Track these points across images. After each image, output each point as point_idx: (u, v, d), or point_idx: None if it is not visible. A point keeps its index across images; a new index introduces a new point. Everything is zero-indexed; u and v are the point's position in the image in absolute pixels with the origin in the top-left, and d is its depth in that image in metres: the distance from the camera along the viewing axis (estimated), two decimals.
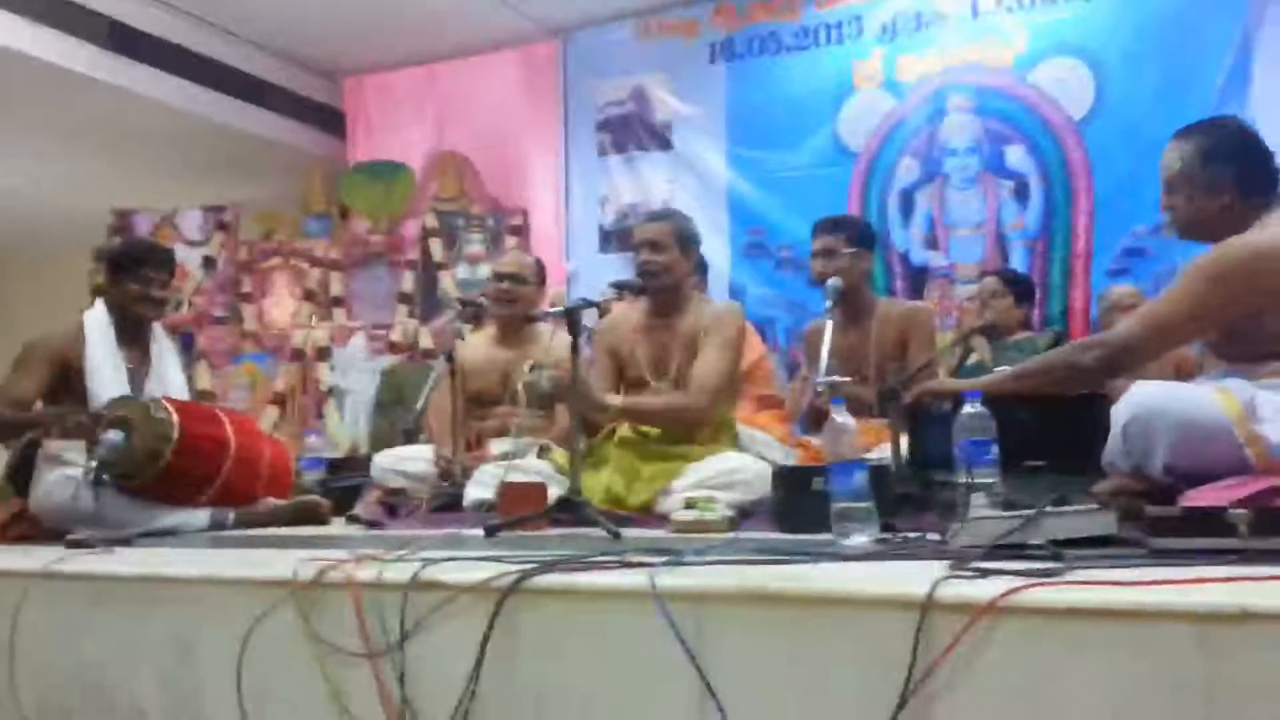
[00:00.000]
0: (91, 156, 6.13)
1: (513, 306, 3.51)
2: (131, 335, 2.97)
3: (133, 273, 2.93)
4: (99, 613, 1.95)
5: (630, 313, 3.12)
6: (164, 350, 3.06)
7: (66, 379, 2.84)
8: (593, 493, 2.63)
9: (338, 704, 1.67)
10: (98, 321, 2.92)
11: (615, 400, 2.86)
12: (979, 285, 4.18)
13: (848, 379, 2.77)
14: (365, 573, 1.70)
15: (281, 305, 5.79)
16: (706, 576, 1.53)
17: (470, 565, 1.68)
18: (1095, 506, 1.66)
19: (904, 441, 2.48)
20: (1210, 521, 1.49)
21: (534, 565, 1.61)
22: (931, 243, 4.90)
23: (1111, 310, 3.87)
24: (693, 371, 2.87)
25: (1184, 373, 2.86)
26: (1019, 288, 4.10)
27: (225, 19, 5.48)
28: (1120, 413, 1.84)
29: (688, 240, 2.98)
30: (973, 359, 3.67)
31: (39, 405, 2.85)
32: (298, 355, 5.58)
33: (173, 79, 5.37)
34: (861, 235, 3.32)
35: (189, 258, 5.85)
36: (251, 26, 5.58)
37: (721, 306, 3.06)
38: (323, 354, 5.56)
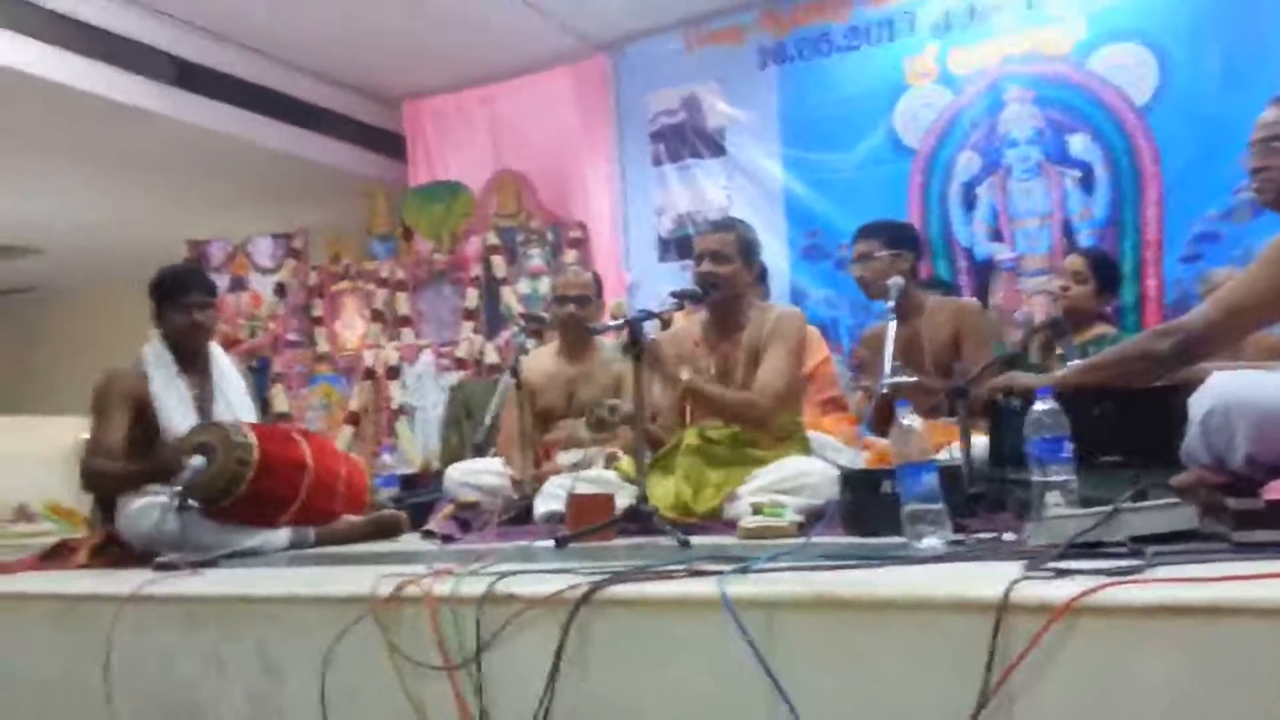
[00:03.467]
0: (163, 190, 6.35)
1: (579, 325, 3.54)
2: (190, 363, 3.01)
3: (171, 301, 2.98)
4: (188, 633, 2.00)
5: (692, 325, 3.12)
6: (225, 373, 3.11)
7: (141, 415, 2.89)
8: (660, 501, 2.64)
9: (419, 716, 1.70)
10: (156, 353, 2.97)
11: (684, 374, 2.86)
12: (1063, 262, 3.76)
13: (914, 379, 2.74)
14: (441, 587, 1.73)
15: (352, 327, 5.92)
16: (776, 583, 1.53)
17: (542, 577, 1.70)
18: (1175, 501, 1.63)
19: (976, 440, 2.46)
20: None
21: (604, 576, 1.63)
22: (996, 235, 4.82)
23: (1210, 294, 3.67)
24: (756, 375, 2.87)
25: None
26: (1105, 274, 3.63)
27: (284, 50, 5.63)
28: (1199, 403, 1.79)
29: (750, 250, 2.98)
30: (1036, 358, 3.50)
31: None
32: (369, 375, 5.70)
33: (236, 111, 5.54)
34: (900, 237, 3.32)
35: (262, 284, 6.03)
36: (310, 56, 5.73)
37: (783, 312, 3.05)
38: (393, 373, 5.67)
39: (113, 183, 6.23)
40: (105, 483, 2.86)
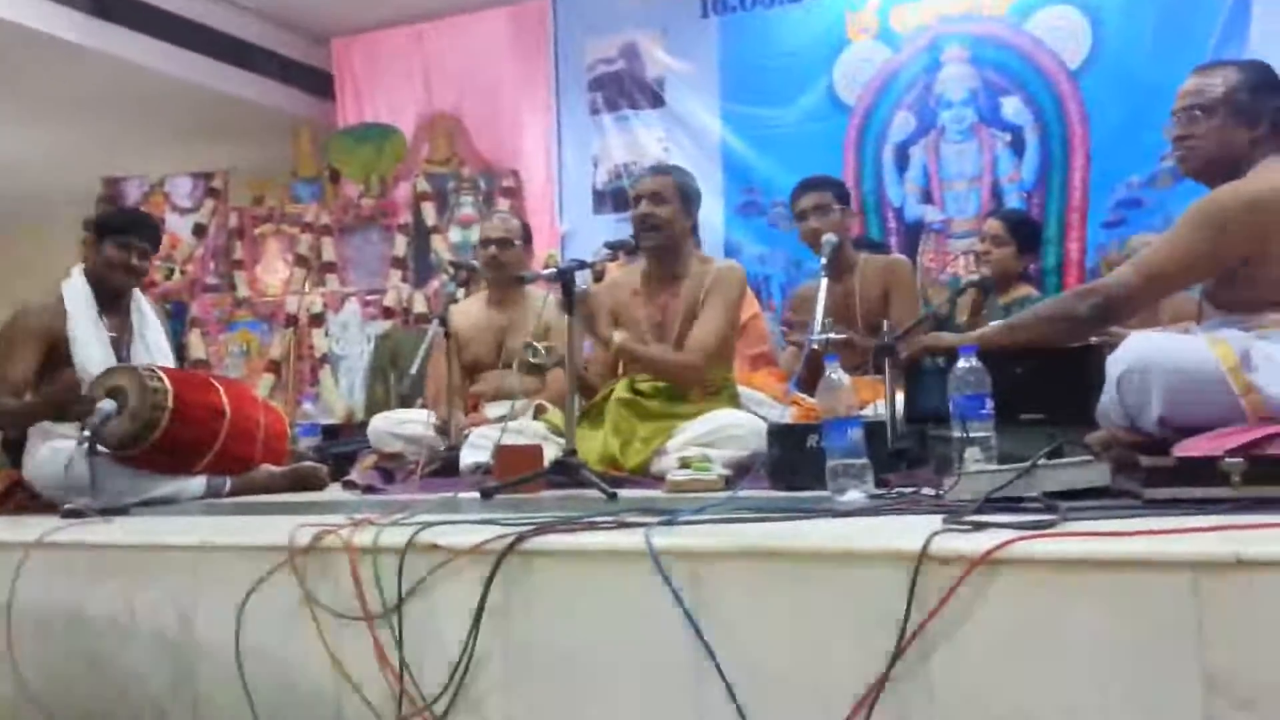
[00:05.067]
0: (78, 125, 6.07)
1: (502, 270, 3.50)
2: (111, 304, 2.93)
3: (115, 238, 2.89)
4: (96, 582, 1.95)
5: (630, 275, 3.10)
6: (146, 317, 3.03)
7: (53, 352, 2.80)
8: (589, 454, 2.63)
9: (337, 668, 1.68)
10: (77, 291, 2.87)
11: (616, 335, 2.84)
12: (982, 227, 3.84)
13: (843, 335, 2.76)
14: (362, 537, 1.70)
15: (274, 271, 5.75)
16: (702, 535, 1.54)
17: (467, 528, 1.69)
18: (1089, 458, 1.67)
19: (899, 397, 2.49)
20: (1204, 471, 1.50)
21: (530, 527, 1.61)
22: (927, 197, 4.86)
23: None
24: (691, 331, 2.86)
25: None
26: (1024, 235, 3.71)
27: None
28: (1116, 364, 1.83)
29: (689, 195, 2.94)
30: (963, 317, 3.57)
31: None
32: (292, 321, 5.56)
33: (158, 43, 5.31)
34: (845, 192, 3.37)
35: (180, 225, 5.81)
36: None
37: (723, 265, 3.03)
38: (317, 320, 5.54)
39: (23, 117, 5.94)
40: (2, 418, 2.75)
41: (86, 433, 2.40)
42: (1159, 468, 1.53)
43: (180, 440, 2.68)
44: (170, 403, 2.64)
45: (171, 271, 5.71)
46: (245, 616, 1.76)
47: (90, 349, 2.80)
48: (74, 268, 2.96)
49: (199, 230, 5.82)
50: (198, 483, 2.76)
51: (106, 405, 2.50)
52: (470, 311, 3.60)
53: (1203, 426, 1.68)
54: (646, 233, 2.87)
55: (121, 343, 2.92)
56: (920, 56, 4.86)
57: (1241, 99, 2.00)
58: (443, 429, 3.13)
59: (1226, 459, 1.49)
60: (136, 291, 3.04)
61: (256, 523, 2.12)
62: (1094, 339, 2.10)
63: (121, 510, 2.38)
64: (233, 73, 5.73)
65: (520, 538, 1.58)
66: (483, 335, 3.52)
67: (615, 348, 2.84)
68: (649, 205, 2.88)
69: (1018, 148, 4.69)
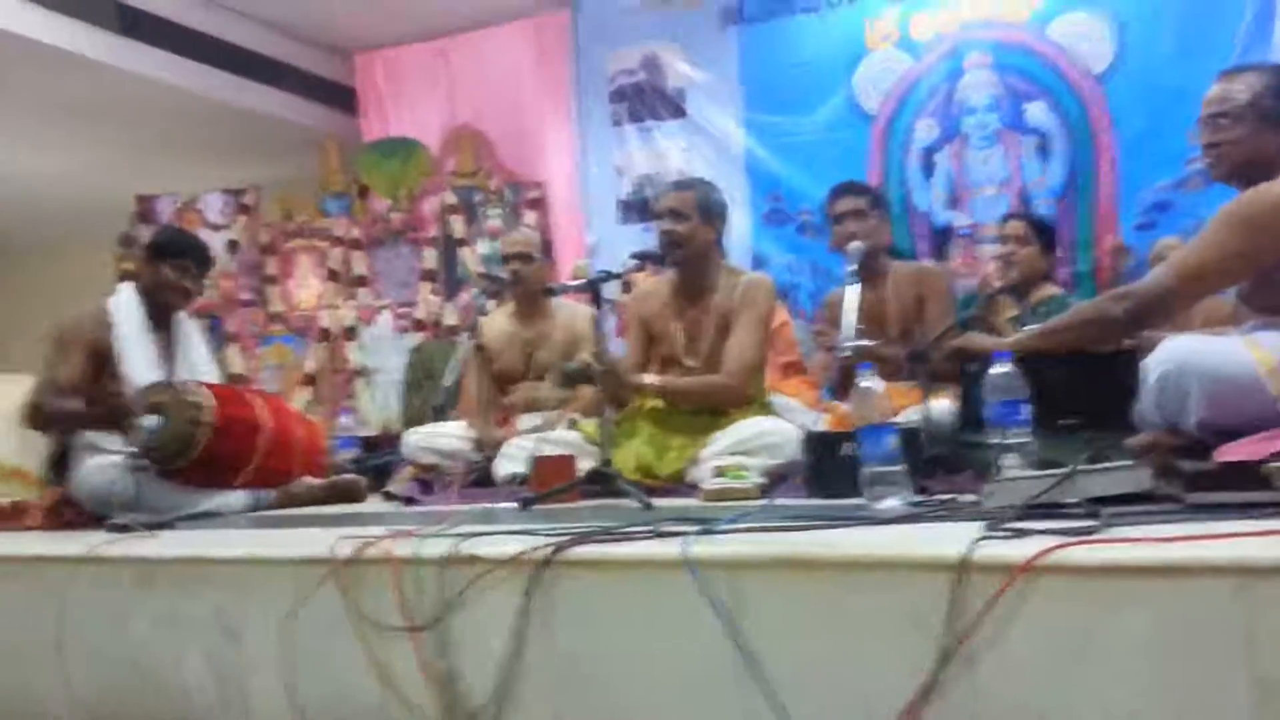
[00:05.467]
0: (108, 143, 6.15)
1: (524, 285, 3.53)
2: (157, 320, 2.99)
3: (174, 260, 2.95)
4: (144, 595, 1.97)
5: (661, 286, 3.10)
6: (189, 333, 3.09)
7: (97, 365, 2.86)
8: (623, 461, 2.64)
9: (382, 678, 1.70)
10: (126, 305, 2.93)
11: (650, 380, 2.85)
12: (1002, 229, 3.79)
13: (874, 342, 2.76)
14: (403, 548, 1.72)
15: (306, 286, 5.81)
16: (740, 544, 1.54)
17: (505, 539, 1.70)
18: (1130, 463, 1.66)
19: (936, 403, 2.49)
20: (1245, 475, 1.49)
21: (568, 537, 1.62)
22: (953, 203, 4.85)
23: (1158, 263, 3.74)
24: (726, 349, 2.86)
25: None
26: (1045, 234, 3.69)
27: None
28: (1152, 367, 1.83)
29: (711, 209, 2.94)
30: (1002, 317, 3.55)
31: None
32: (325, 335, 5.62)
33: (183, 61, 5.36)
34: (878, 198, 3.35)
35: (213, 241, 5.87)
36: (260, 6, 5.56)
37: (753, 280, 3.03)
38: (350, 333, 5.60)
39: (58, 135, 6.03)
40: (49, 420, 2.82)
41: (131, 448, 2.44)
42: (1201, 472, 1.53)
43: (221, 454, 2.72)
44: (210, 418, 2.68)
45: (204, 287, 5.78)
46: (289, 629, 1.78)
47: (138, 360, 2.86)
48: (122, 283, 3.03)
49: (232, 246, 5.89)
50: (240, 497, 2.80)
51: (150, 421, 2.54)
52: (498, 323, 3.63)
53: (1242, 429, 1.67)
54: (669, 249, 2.88)
55: (166, 358, 2.98)
56: (941, 64, 4.84)
57: (1267, 104, 2.00)
58: (478, 444, 3.16)
59: (1269, 462, 1.48)
60: (182, 314, 3.10)
61: (299, 535, 2.14)
62: (1129, 343, 2.10)
63: (166, 525, 2.41)
64: (259, 89, 5.79)
65: (559, 548, 1.59)
66: (512, 347, 3.56)
67: (652, 389, 2.83)
68: (669, 222, 2.90)
69: (1044, 152, 4.67)
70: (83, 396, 2.81)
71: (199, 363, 3.04)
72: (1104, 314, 2.05)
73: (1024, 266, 3.58)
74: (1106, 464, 1.64)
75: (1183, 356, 1.79)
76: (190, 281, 2.99)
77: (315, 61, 6.14)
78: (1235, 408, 1.72)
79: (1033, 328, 2.24)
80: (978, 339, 2.31)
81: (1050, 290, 3.62)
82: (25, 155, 6.34)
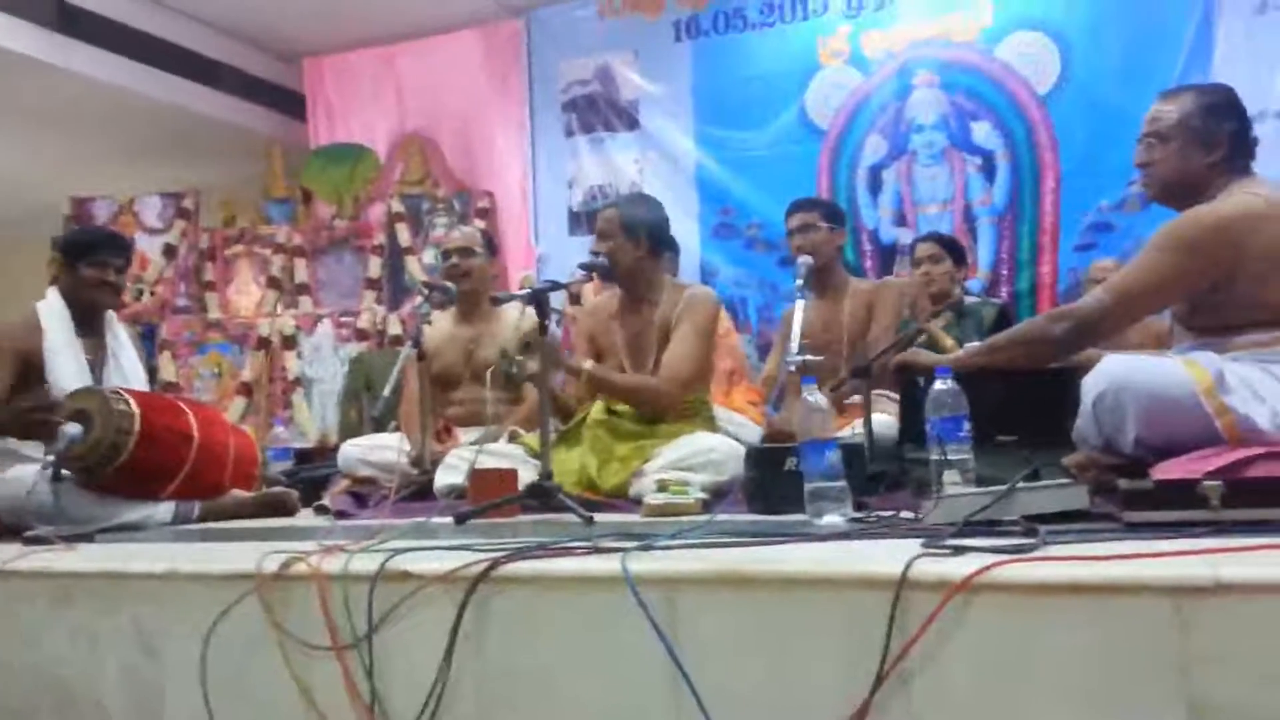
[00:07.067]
0: (45, 143, 6.00)
1: (467, 280, 3.49)
2: (87, 325, 2.91)
3: (88, 258, 2.87)
4: (60, 610, 1.90)
5: (609, 301, 3.11)
6: (120, 340, 3.01)
7: (26, 372, 2.78)
8: (566, 474, 2.61)
9: (305, 699, 1.64)
10: (53, 311, 2.86)
11: (586, 364, 2.84)
12: (915, 251, 3.91)
13: (819, 357, 2.77)
14: (331, 564, 1.67)
15: (246, 293, 5.69)
16: (678, 560, 1.51)
17: (439, 554, 1.65)
18: (1067, 481, 1.66)
19: (878, 418, 2.49)
20: (1182, 494, 1.50)
21: (504, 552, 1.58)
22: (900, 220, 4.90)
23: (1092, 284, 3.85)
24: (664, 357, 2.85)
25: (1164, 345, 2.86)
26: (956, 250, 3.89)
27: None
28: (1090, 386, 1.84)
29: (636, 226, 2.93)
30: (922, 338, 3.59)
31: None
32: (264, 344, 5.50)
33: (126, 61, 5.25)
34: (834, 213, 3.38)
35: (150, 245, 5.74)
36: (205, 7, 5.46)
37: (694, 291, 3.03)
38: (289, 342, 5.48)
39: None
40: None
41: (50, 457, 2.35)
42: (1137, 490, 1.53)
43: (147, 465, 2.64)
44: (137, 426, 2.59)
45: (141, 292, 5.64)
46: (211, 646, 1.72)
47: (66, 367, 2.79)
48: (50, 288, 2.94)
49: (169, 251, 5.76)
50: (165, 508, 2.71)
51: (71, 429, 2.45)
52: (441, 326, 3.59)
53: (1179, 448, 1.69)
54: (597, 269, 2.91)
55: (96, 364, 2.91)
56: (891, 81, 4.90)
57: (1195, 124, 2.03)
58: (416, 460, 3.09)
59: (1205, 481, 1.49)
60: (111, 314, 3.03)
61: (224, 550, 2.08)
62: (1069, 361, 2.11)
63: (87, 537, 2.32)
64: (203, 91, 5.68)
65: (494, 564, 1.55)
66: (453, 346, 3.51)
67: (586, 375, 2.83)
68: (596, 241, 2.93)
69: (989, 172, 4.74)
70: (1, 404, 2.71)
71: (129, 369, 2.97)
72: (1043, 334, 2.07)
73: (940, 283, 3.73)
74: (1045, 482, 1.64)
75: (1120, 375, 1.80)
76: (112, 275, 2.92)
77: (262, 65, 6.04)
78: (1172, 426, 1.73)
79: (974, 345, 2.25)
80: (920, 355, 2.31)
81: (969, 299, 3.74)
82: None
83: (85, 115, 5.55)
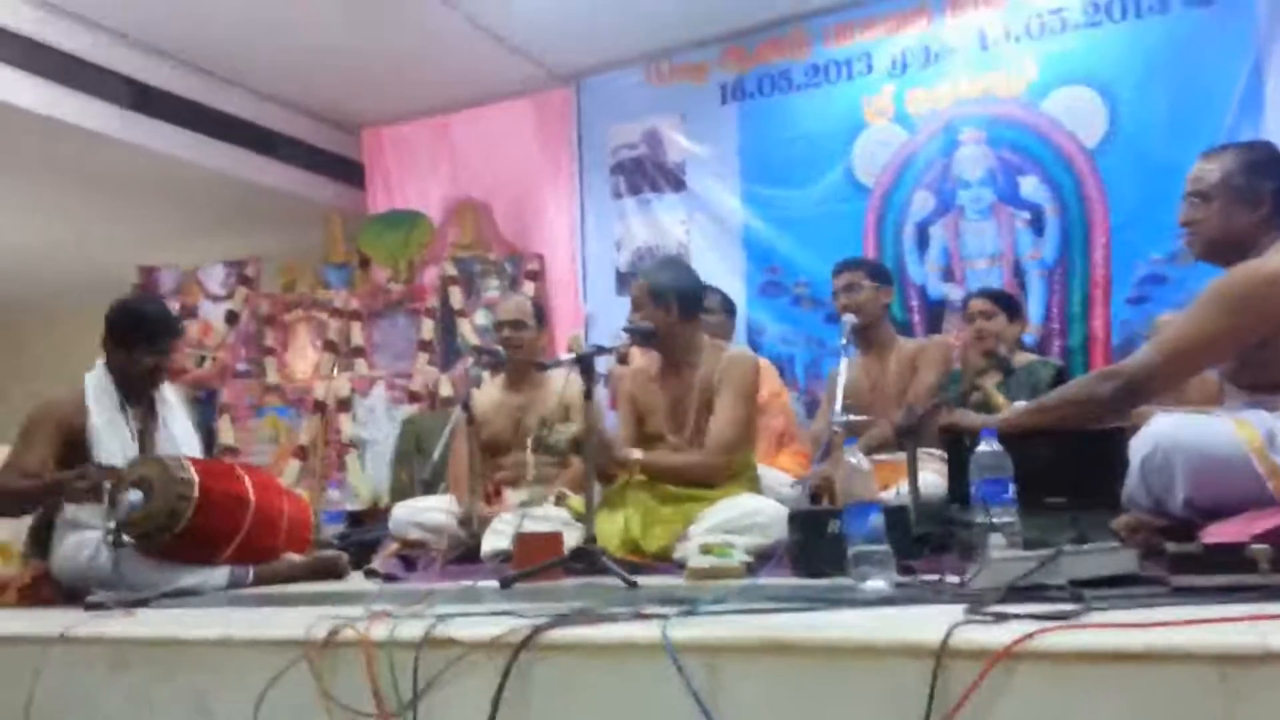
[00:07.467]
0: (115, 214, 6.24)
1: (517, 352, 3.55)
2: (137, 393, 2.94)
3: (140, 344, 2.90)
4: (117, 676, 1.94)
5: (651, 363, 3.13)
6: (171, 406, 3.05)
7: (72, 445, 2.80)
8: (610, 536, 2.62)
9: None
10: (99, 384, 2.89)
11: (635, 454, 2.85)
12: (968, 307, 3.87)
13: (864, 418, 2.76)
14: (378, 630, 1.69)
15: (303, 357, 5.83)
16: (720, 626, 1.51)
17: (483, 620, 1.67)
18: (1115, 545, 1.63)
19: (924, 479, 2.46)
20: (1230, 558, 1.46)
21: (546, 620, 1.60)
22: (948, 275, 4.87)
23: None
24: (709, 427, 2.86)
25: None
26: (1009, 305, 3.84)
27: (241, 74, 5.58)
28: (1139, 446, 1.81)
29: (661, 294, 2.97)
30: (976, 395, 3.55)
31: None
32: (320, 407, 5.61)
33: (193, 135, 5.46)
34: (880, 271, 3.39)
35: (213, 312, 5.92)
36: (268, 81, 5.67)
37: (734, 356, 3.04)
38: (344, 405, 5.59)
39: (63, 206, 6.12)
40: (5, 500, 2.75)
41: (110, 524, 2.42)
42: (1185, 554, 1.50)
43: (205, 530, 2.69)
44: (195, 493, 2.65)
45: (203, 359, 5.80)
46: (262, 712, 1.74)
47: (110, 444, 2.81)
48: (99, 360, 2.97)
49: (231, 318, 5.92)
50: (221, 573, 2.76)
51: (133, 496, 2.51)
52: (490, 392, 3.64)
53: (1229, 508, 1.65)
54: (633, 337, 2.97)
55: (147, 432, 2.94)
56: (936, 138, 4.91)
57: (1238, 183, 2.02)
58: (465, 520, 3.12)
59: (1253, 544, 1.46)
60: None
61: (276, 614, 2.11)
62: (1117, 421, 2.08)
63: (144, 602, 2.37)
64: (266, 163, 5.89)
65: (536, 630, 1.56)
66: (501, 414, 3.55)
67: (637, 464, 2.84)
68: (631, 312, 2.98)
69: (1037, 226, 4.70)
70: (47, 477, 2.72)
71: (180, 435, 3.00)
72: (1092, 394, 2.05)
73: (994, 339, 3.67)
74: (1092, 545, 1.61)
75: (1169, 435, 1.77)
76: (156, 358, 2.92)
77: (322, 136, 6.25)
78: (1222, 487, 1.70)
79: (1020, 404, 2.23)
80: (966, 415, 2.30)
81: (1026, 357, 3.67)
82: (28, 224, 6.42)
83: (154, 187, 5.78)
